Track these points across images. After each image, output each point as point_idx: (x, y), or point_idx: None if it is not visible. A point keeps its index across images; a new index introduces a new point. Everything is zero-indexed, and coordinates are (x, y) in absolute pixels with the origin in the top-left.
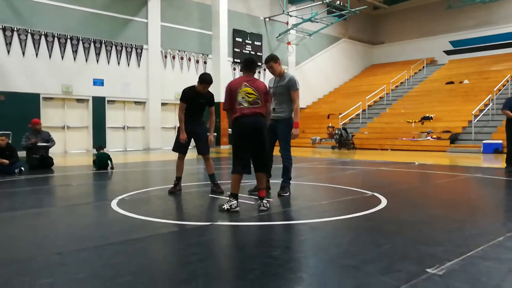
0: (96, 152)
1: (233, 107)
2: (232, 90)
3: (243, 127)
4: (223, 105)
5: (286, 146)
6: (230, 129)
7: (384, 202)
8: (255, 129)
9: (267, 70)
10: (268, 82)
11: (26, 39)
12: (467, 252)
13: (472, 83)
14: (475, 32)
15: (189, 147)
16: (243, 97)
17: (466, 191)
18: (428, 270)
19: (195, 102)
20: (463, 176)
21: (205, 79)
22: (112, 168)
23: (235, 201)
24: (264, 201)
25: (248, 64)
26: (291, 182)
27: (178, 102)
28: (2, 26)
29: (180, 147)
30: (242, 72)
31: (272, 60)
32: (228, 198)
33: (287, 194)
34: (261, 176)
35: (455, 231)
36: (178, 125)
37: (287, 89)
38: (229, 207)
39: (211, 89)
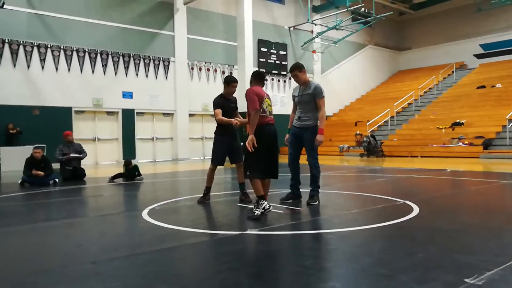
0: (125, 165)
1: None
2: (260, 96)
3: (269, 135)
4: (252, 106)
5: (313, 154)
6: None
7: (416, 210)
8: (275, 137)
9: (292, 78)
10: (293, 90)
11: (59, 55)
12: (506, 261)
13: (505, 87)
14: (506, 35)
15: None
16: (266, 107)
17: (502, 198)
18: (466, 280)
19: (226, 108)
20: (498, 182)
21: (232, 78)
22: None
23: (265, 201)
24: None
25: (261, 77)
26: (319, 190)
27: (205, 113)
28: (37, 43)
29: (220, 160)
30: (252, 84)
31: (297, 69)
32: (256, 203)
33: (316, 203)
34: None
35: (492, 240)
36: (205, 135)
37: (312, 97)
38: (262, 210)
39: (238, 97)
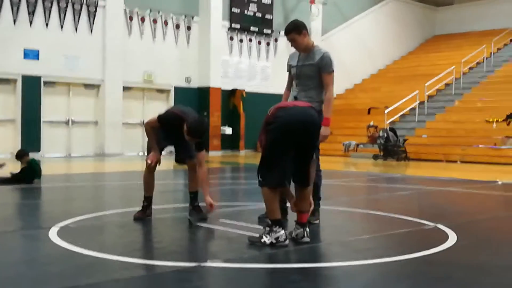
0: (18, 160)
1: None
2: None
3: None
4: None
5: (315, 153)
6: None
7: (452, 237)
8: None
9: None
10: (288, 58)
11: None
12: None
13: None
14: None
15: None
16: None
17: None
18: None
19: (174, 135)
20: None
21: (196, 131)
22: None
23: (283, 231)
24: (307, 229)
25: None
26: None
27: (149, 86)
28: None
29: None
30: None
31: (295, 31)
32: (268, 227)
33: (317, 221)
34: (307, 192)
35: None
36: (148, 119)
37: (317, 70)
38: (274, 241)
39: (198, 69)
